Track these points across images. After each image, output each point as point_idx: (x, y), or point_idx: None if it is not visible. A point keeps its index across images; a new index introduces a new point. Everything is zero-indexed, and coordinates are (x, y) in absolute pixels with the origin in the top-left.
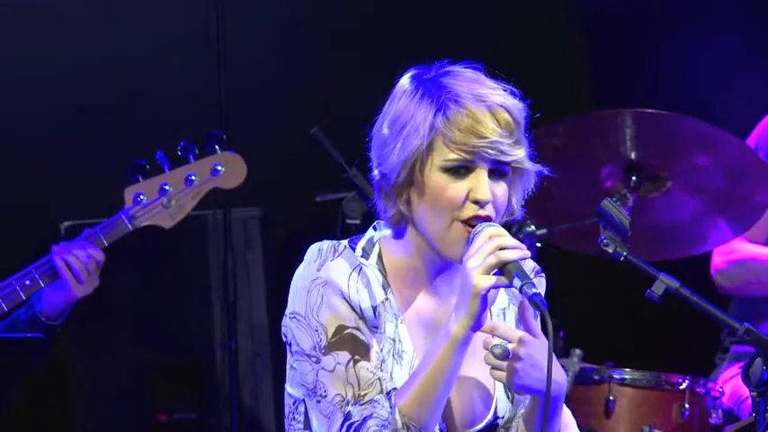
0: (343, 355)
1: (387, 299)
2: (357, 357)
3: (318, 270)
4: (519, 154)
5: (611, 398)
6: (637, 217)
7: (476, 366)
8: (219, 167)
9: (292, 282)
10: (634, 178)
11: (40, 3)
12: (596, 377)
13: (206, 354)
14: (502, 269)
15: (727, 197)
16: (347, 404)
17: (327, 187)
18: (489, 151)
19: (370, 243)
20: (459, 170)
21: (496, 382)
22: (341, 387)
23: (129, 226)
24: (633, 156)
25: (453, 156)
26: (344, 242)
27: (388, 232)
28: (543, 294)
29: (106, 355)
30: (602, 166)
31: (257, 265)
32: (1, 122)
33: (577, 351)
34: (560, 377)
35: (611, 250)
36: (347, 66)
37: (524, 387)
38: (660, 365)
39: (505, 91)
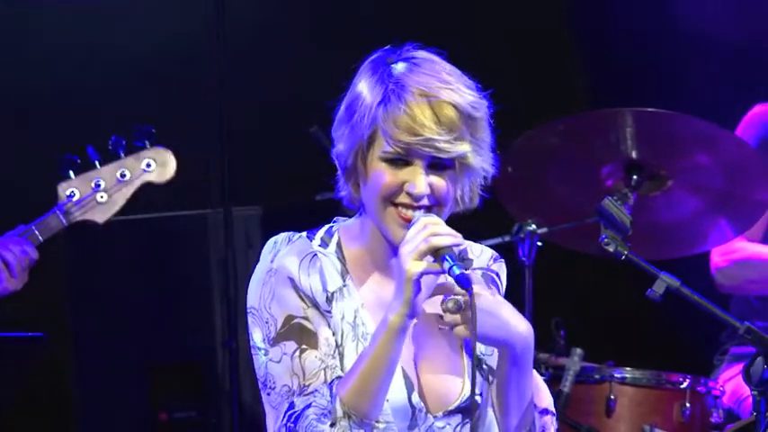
0: (290, 345)
1: (345, 285)
2: (304, 347)
3: (272, 261)
4: (458, 150)
5: (611, 397)
6: (637, 216)
7: (447, 344)
8: (151, 162)
9: (252, 276)
10: (635, 177)
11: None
12: (597, 376)
13: (207, 352)
14: (436, 255)
15: (728, 196)
16: (293, 394)
17: (327, 186)
18: (424, 149)
19: (329, 233)
20: (398, 162)
21: (465, 359)
22: (287, 378)
23: (64, 221)
24: (634, 154)
25: (389, 149)
26: (302, 233)
27: (346, 222)
28: (504, 279)
29: (107, 354)
30: (603, 165)
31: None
32: (1, 122)
33: (578, 350)
34: (523, 326)
35: (611, 249)
36: (347, 64)
37: (487, 337)
38: (661, 364)
39: (462, 84)
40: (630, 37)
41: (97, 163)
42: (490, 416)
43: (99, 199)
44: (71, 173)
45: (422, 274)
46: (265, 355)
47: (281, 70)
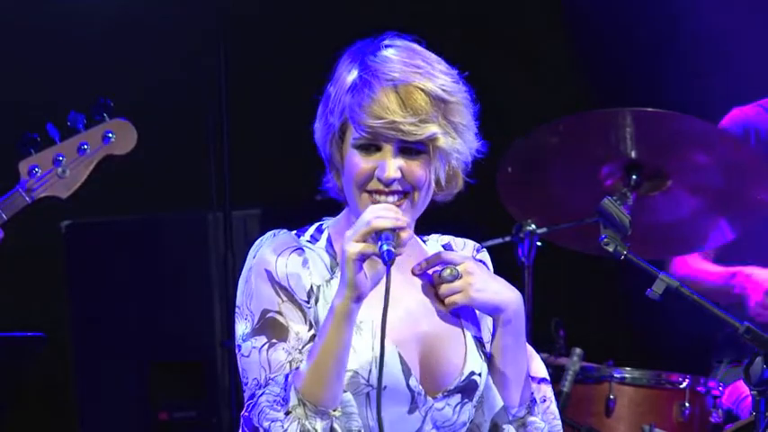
0: (261, 339)
1: (333, 277)
2: (274, 341)
3: (254, 257)
4: (425, 132)
5: (611, 397)
6: (637, 216)
7: (445, 325)
8: (110, 135)
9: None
10: (634, 177)
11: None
12: (597, 376)
13: (206, 352)
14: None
15: (727, 196)
16: (259, 387)
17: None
18: (389, 132)
19: (319, 230)
20: (370, 148)
21: (467, 338)
22: (256, 371)
23: (27, 198)
24: (633, 154)
25: (358, 135)
26: (291, 231)
27: (334, 219)
28: (490, 267)
29: (107, 354)
30: (603, 165)
31: None
32: (1, 121)
33: (578, 350)
34: (512, 292)
35: (611, 249)
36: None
37: (485, 302)
38: (660, 364)
39: (435, 69)
40: (630, 36)
41: (57, 139)
42: (493, 396)
43: (60, 174)
44: (32, 150)
45: (362, 256)
46: (239, 350)
47: (281, 68)
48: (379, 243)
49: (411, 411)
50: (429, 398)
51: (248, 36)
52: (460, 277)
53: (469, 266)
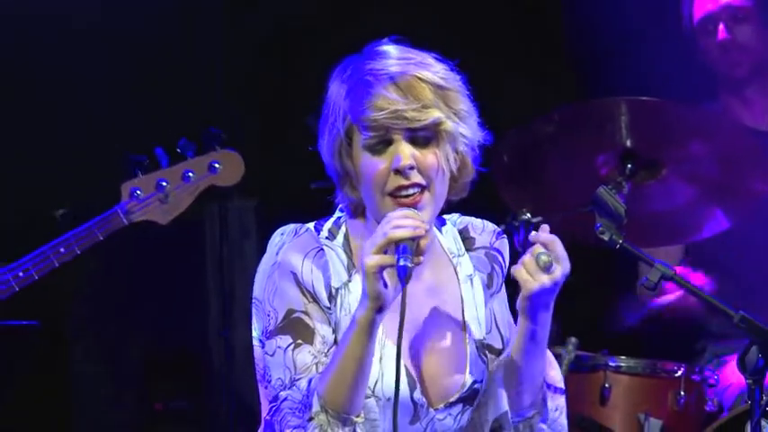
0: (285, 339)
1: (350, 280)
2: (299, 341)
3: (277, 254)
4: (429, 117)
5: (606, 385)
6: (632, 205)
7: (448, 334)
8: (217, 165)
9: (259, 266)
10: (629, 166)
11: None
12: (592, 364)
13: (202, 343)
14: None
15: (722, 185)
16: (283, 388)
17: (323, 175)
18: (394, 122)
19: (337, 224)
20: (380, 145)
21: (468, 347)
22: (280, 371)
23: (125, 220)
24: (628, 143)
25: (366, 133)
26: (310, 224)
27: (354, 219)
28: (507, 257)
29: (103, 345)
30: (598, 154)
31: (253, 254)
32: (1, 115)
33: (573, 339)
34: (550, 310)
35: (606, 238)
36: (343, 57)
37: (533, 306)
38: (656, 353)
39: (427, 59)
40: (626, 26)
41: (165, 164)
42: (500, 399)
43: (163, 199)
44: (138, 172)
45: (381, 268)
46: (262, 347)
47: (278, 60)
48: (397, 257)
49: (413, 422)
50: (431, 409)
51: (246, 28)
52: (550, 271)
53: (559, 276)
